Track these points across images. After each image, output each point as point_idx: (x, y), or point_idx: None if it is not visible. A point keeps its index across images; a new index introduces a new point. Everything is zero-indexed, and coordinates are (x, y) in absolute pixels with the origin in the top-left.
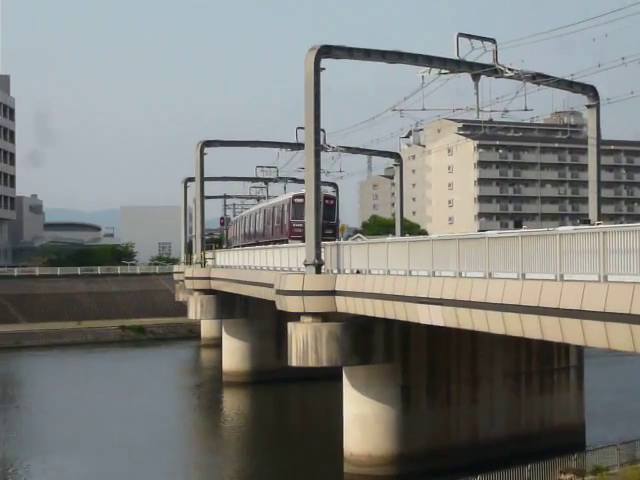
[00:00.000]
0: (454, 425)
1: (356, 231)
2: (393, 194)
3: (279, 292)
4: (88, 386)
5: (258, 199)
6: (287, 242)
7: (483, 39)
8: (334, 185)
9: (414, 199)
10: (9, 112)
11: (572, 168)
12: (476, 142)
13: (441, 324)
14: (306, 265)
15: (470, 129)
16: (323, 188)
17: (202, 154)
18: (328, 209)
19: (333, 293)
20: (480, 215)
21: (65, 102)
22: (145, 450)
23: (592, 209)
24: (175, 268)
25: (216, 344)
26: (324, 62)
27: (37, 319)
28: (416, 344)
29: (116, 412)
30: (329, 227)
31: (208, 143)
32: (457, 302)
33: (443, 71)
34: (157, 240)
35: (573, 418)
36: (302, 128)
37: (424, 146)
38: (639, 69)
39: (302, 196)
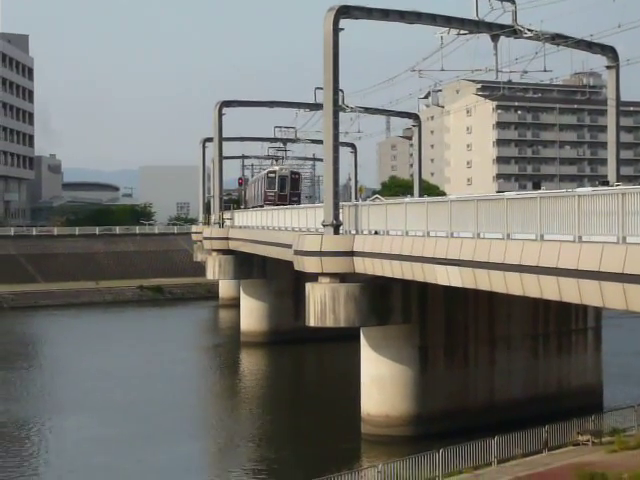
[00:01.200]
0: (472, 386)
1: (375, 192)
2: (411, 155)
3: (297, 252)
4: (106, 346)
5: (277, 159)
6: (262, 207)
7: None
8: (352, 145)
9: (432, 160)
10: (27, 72)
11: (591, 129)
12: (495, 103)
13: (459, 285)
14: (324, 226)
15: (489, 90)
16: (290, 163)
17: (220, 114)
18: (294, 182)
19: (351, 254)
20: (498, 176)
21: (81, 61)
22: (162, 410)
23: (611, 170)
24: (193, 228)
25: (234, 304)
26: (343, 22)
27: (55, 279)
28: (434, 305)
29: (134, 372)
30: (294, 195)
31: (227, 103)
32: (475, 263)
33: (462, 32)
34: (175, 200)
35: (591, 379)
36: (321, 88)
37: (443, 107)
38: None
39: (274, 171)
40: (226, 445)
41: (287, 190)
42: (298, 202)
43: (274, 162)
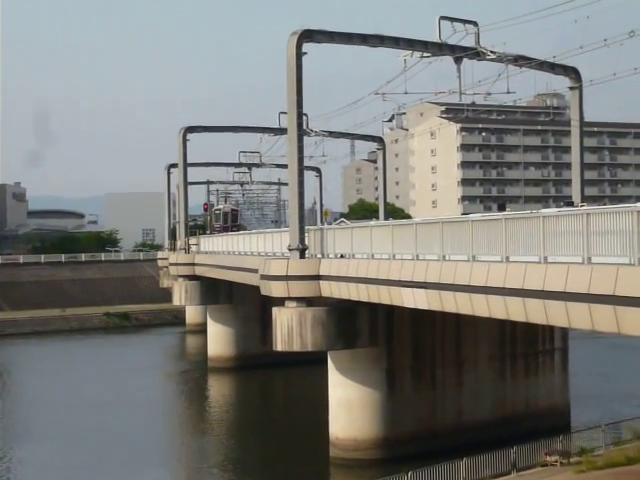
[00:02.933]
0: (439, 408)
1: (340, 215)
2: (376, 178)
3: (263, 277)
4: (72, 373)
5: (241, 184)
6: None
7: (465, 22)
8: (317, 169)
9: (397, 183)
10: None
11: (555, 150)
12: (459, 125)
13: (425, 307)
14: (290, 250)
15: (453, 112)
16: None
17: (185, 140)
18: (233, 216)
19: (317, 277)
20: (463, 198)
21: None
22: (128, 437)
23: (575, 191)
24: (159, 254)
25: (201, 330)
26: (306, 46)
27: (21, 307)
28: (400, 327)
29: (101, 399)
30: (235, 226)
31: (191, 129)
32: (441, 285)
33: (425, 54)
34: (141, 226)
35: (558, 400)
36: (285, 113)
37: (407, 130)
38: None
39: (219, 209)
40: (194, 471)
41: (229, 222)
42: (237, 230)
43: (240, 187)
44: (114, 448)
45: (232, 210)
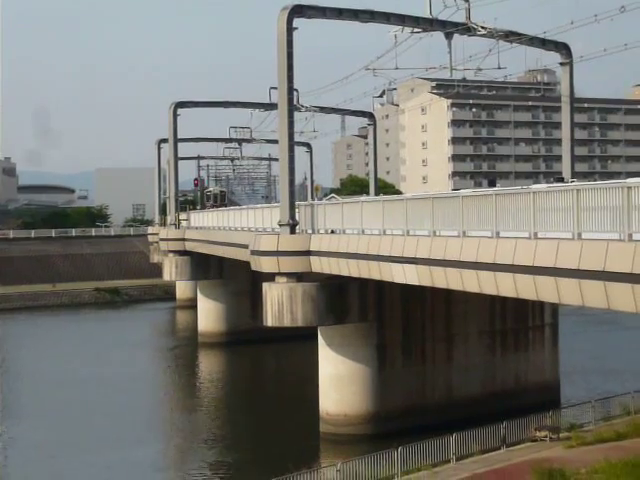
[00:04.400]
0: (429, 384)
1: (331, 191)
2: (367, 154)
3: (254, 252)
4: (63, 348)
5: (232, 160)
6: None
7: None
8: (308, 145)
9: (388, 159)
10: None
11: (545, 126)
12: (449, 101)
13: (416, 283)
14: (280, 225)
15: (443, 88)
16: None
17: (175, 115)
18: (222, 197)
19: (308, 253)
20: (454, 174)
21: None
22: (117, 413)
23: (566, 167)
24: (149, 230)
25: (191, 305)
26: (296, 21)
27: (12, 282)
28: (391, 303)
29: (89, 375)
30: (222, 205)
31: (181, 104)
32: (431, 261)
33: (416, 30)
34: (131, 202)
35: (548, 375)
36: (275, 88)
37: (397, 105)
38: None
39: (210, 190)
40: (184, 446)
41: (218, 202)
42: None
43: (230, 162)
44: (101, 425)
45: (220, 192)
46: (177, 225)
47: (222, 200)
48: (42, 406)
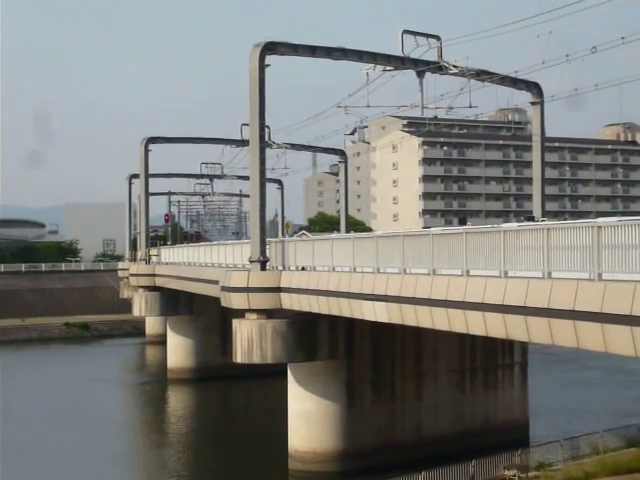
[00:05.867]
0: (399, 421)
1: (301, 228)
2: (338, 191)
3: (224, 289)
4: (28, 384)
5: (203, 196)
6: None
7: (428, 36)
8: (279, 181)
9: (359, 196)
10: None
11: (516, 165)
12: (420, 139)
13: (386, 321)
14: (251, 262)
15: (415, 126)
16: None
17: (147, 151)
18: (197, 237)
19: (278, 290)
20: (424, 212)
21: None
22: (84, 449)
23: (536, 206)
24: (120, 265)
25: (161, 341)
26: (269, 59)
27: None
28: (361, 340)
29: (56, 411)
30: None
31: (152, 140)
32: (402, 299)
33: (388, 68)
34: (102, 237)
35: (517, 414)
36: (247, 124)
37: (369, 143)
38: (582, 66)
39: (187, 231)
40: None
41: (194, 241)
42: None
43: (201, 199)
44: (68, 461)
45: (196, 232)
46: (147, 260)
47: (197, 240)
48: (7, 442)
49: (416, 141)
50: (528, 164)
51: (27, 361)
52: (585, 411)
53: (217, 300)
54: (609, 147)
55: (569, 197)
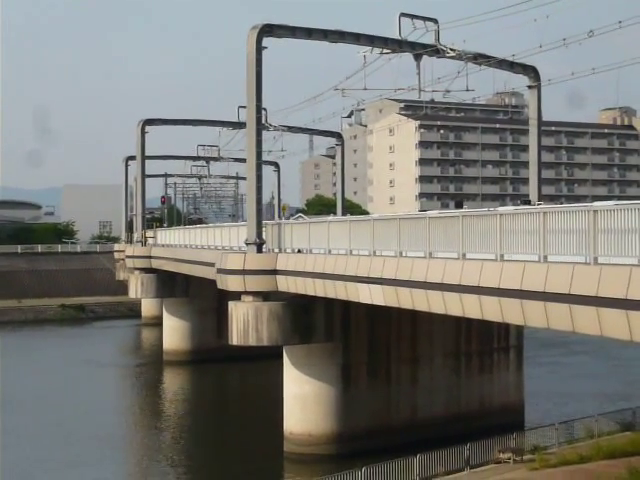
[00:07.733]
0: (394, 404)
1: (298, 210)
2: (334, 174)
3: (220, 271)
4: (23, 366)
5: (199, 178)
6: None
7: (425, 19)
8: (275, 164)
9: (355, 179)
10: None
11: (513, 149)
12: (417, 122)
13: (381, 304)
14: (247, 244)
15: (412, 109)
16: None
17: (143, 133)
18: (199, 222)
19: (274, 272)
20: (421, 195)
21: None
22: (79, 432)
23: (533, 190)
24: (116, 247)
25: (157, 323)
26: (266, 41)
27: None
28: (356, 323)
29: (51, 394)
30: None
31: (149, 121)
32: (398, 282)
33: (385, 51)
34: (98, 219)
35: (512, 398)
36: (244, 107)
37: (366, 126)
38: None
39: (192, 216)
40: (146, 466)
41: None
42: None
43: (197, 180)
44: (64, 444)
45: (198, 218)
46: (144, 242)
47: (200, 224)
48: (4, 426)
49: (413, 124)
50: (525, 148)
51: (22, 343)
52: (579, 395)
53: (213, 282)
54: (606, 131)
55: (565, 181)
